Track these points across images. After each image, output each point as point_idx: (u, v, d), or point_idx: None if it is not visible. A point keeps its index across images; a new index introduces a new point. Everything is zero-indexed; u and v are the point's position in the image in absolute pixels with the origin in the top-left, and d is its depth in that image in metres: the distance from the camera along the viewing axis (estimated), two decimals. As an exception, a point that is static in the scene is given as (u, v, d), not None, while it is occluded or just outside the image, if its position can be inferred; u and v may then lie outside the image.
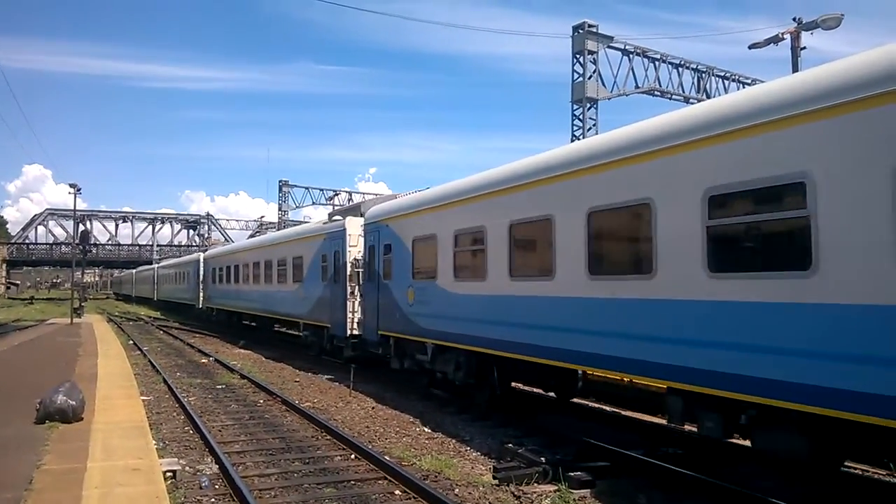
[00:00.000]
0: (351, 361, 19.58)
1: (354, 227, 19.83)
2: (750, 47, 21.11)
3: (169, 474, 9.04)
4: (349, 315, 19.37)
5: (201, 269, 44.11)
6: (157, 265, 72.34)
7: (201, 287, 43.81)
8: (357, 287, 19.26)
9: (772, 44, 20.25)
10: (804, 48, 19.70)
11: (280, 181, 68.74)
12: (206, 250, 50.29)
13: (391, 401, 15.83)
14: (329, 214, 23.02)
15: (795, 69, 19.26)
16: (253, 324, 32.40)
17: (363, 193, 71.80)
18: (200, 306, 44.06)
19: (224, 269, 37.49)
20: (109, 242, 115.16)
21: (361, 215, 19.44)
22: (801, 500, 8.18)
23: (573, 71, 30.62)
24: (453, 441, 11.99)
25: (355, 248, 19.58)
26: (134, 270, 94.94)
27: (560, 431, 11.94)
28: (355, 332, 19.37)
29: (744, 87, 34.12)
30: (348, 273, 19.54)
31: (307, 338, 24.24)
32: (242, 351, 28.17)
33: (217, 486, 9.28)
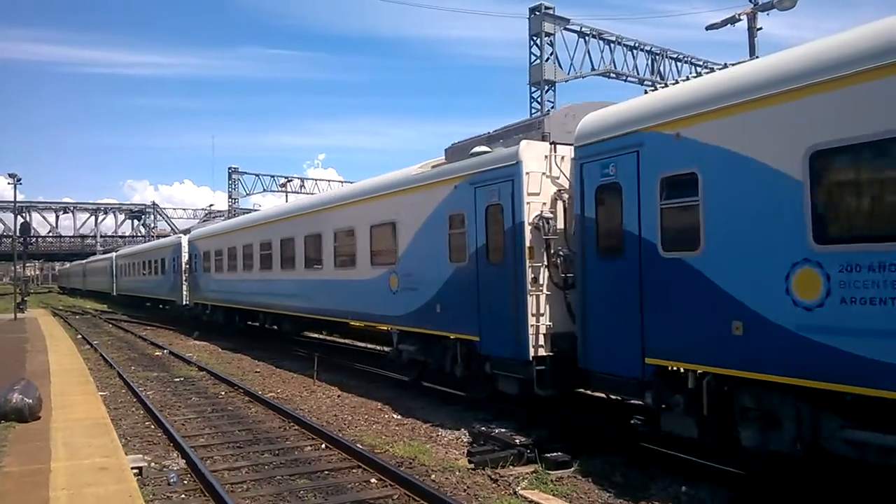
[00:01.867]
0: (528, 403, 11.64)
1: (536, 160, 10.96)
2: (707, 28, 21.46)
3: (135, 471, 8.75)
4: (531, 322, 10.61)
5: (184, 254, 33.41)
6: (114, 254, 61.60)
7: (184, 278, 33.51)
8: (545, 270, 10.74)
9: (729, 24, 20.60)
10: (760, 29, 20.06)
11: (229, 168, 67.39)
12: (188, 231, 38.95)
13: (356, 388, 15.67)
14: (447, 150, 13.56)
15: (752, 51, 19.63)
16: (274, 327, 24.33)
17: (315, 179, 70.92)
18: (186, 303, 33.64)
19: (225, 252, 26.88)
20: (50, 234, 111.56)
21: (544, 138, 11.21)
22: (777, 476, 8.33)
23: (530, 53, 30.71)
24: (424, 426, 11.92)
25: (537, 199, 10.87)
26: (85, 261, 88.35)
27: (529, 414, 11.93)
28: (542, 353, 10.57)
29: (696, 69, 34.75)
30: (527, 245, 10.80)
31: (402, 355, 14.70)
32: (198, 342, 27.56)
33: (186, 482, 9.03)
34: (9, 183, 42.06)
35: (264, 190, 69.62)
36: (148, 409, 13.49)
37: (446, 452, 10.28)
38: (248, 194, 68.95)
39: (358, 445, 10.25)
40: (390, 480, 8.71)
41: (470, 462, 9.41)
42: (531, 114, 29.67)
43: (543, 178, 11.02)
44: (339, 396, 14.87)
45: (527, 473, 8.91)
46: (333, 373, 17.73)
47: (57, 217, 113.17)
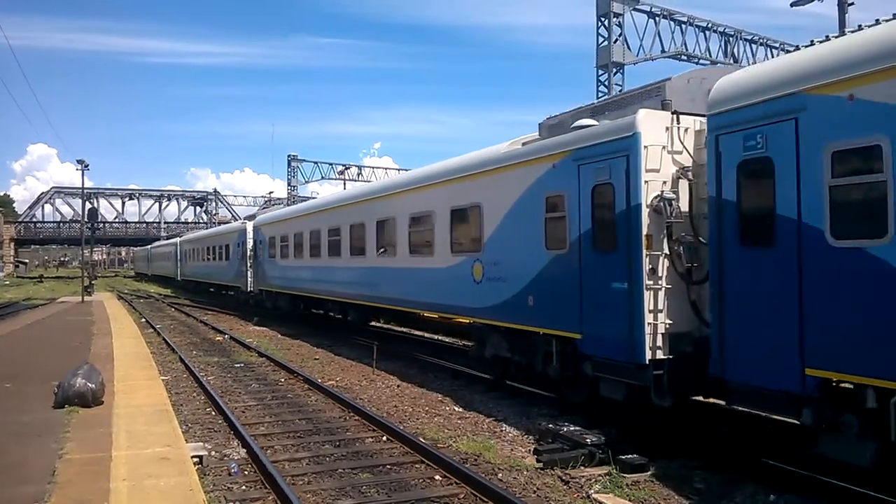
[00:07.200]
0: (635, 410, 10.14)
1: (655, 132, 9.16)
2: (792, 5, 20.23)
3: (195, 460, 8.60)
4: (648, 319, 8.96)
5: (248, 240, 32.52)
6: (178, 239, 60.21)
7: (249, 265, 32.80)
8: (665, 259, 9.06)
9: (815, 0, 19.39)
10: (852, 4, 18.73)
11: (289, 156, 68.19)
12: (253, 217, 36.42)
13: (415, 378, 15.38)
14: (541, 126, 12.11)
15: (842, 26, 18.41)
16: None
17: (372, 167, 71.20)
18: (250, 290, 32.97)
19: (291, 238, 26.08)
20: (116, 220, 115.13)
21: (664, 106, 9.41)
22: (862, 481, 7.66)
23: (598, 35, 29.96)
24: (487, 421, 11.52)
25: (657, 177, 9.13)
26: (150, 246, 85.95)
27: (596, 410, 11.40)
28: (660, 356, 9.01)
29: (772, 52, 33.22)
30: (644, 231, 9.04)
31: (486, 352, 13.39)
32: (257, 328, 27.77)
33: (247, 472, 8.84)
34: (77, 169, 43.18)
35: (322, 177, 70.22)
36: (209, 394, 13.44)
37: (511, 449, 9.86)
38: (306, 182, 69.64)
39: (420, 439, 9.92)
40: (455, 478, 8.33)
41: (538, 461, 8.94)
42: (598, 97, 28.83)
43: (664, 152, 9.17)
44: (398, 386, 14.59)
45: (599, 476, 8.42)
46: (392, 361, 17.48)
47: (123, 203, 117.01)
